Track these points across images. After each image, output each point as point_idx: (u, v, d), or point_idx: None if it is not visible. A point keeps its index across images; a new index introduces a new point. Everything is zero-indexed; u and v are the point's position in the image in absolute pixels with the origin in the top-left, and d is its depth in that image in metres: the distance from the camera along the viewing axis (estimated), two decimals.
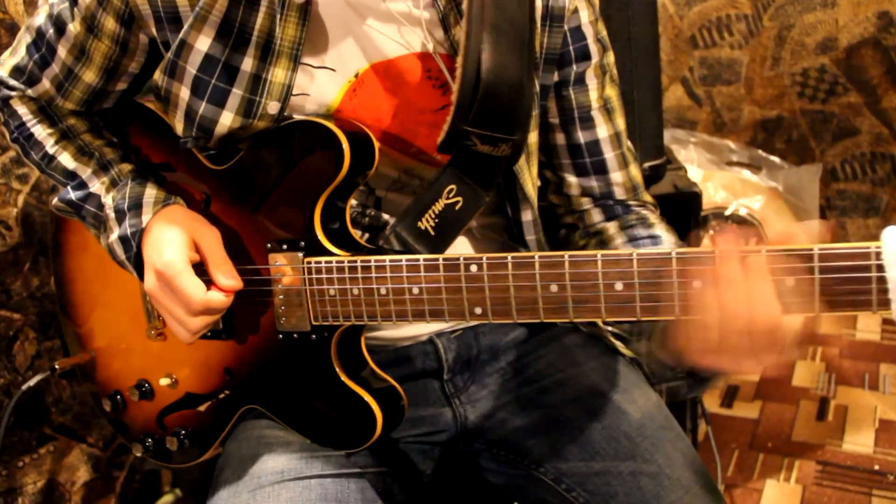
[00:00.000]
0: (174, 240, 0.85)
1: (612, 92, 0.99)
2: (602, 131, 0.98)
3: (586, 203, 1.02)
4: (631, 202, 1.02)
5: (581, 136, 0.98)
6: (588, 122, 0.98)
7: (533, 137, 0.96)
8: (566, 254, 0.70)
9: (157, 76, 0.89)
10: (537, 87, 0.94)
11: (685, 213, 1.53)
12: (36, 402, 1.71)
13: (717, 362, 0.70)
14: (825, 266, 0.62)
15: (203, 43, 0.84)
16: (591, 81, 0.96)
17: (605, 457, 0.94)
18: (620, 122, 1.00)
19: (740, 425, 2.06)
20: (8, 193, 1.63)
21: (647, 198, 1.05)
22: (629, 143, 1.02)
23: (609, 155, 0.99)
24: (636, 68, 1.46)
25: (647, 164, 1.51)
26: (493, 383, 1.02)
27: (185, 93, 0.87)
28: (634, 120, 1.49)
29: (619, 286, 0.69)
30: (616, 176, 1.00)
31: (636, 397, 0.99)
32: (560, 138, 0.99)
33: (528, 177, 0.96)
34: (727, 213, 2.29)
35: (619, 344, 1.05)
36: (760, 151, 2.42)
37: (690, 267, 0.67)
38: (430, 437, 1.00)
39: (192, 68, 0.85)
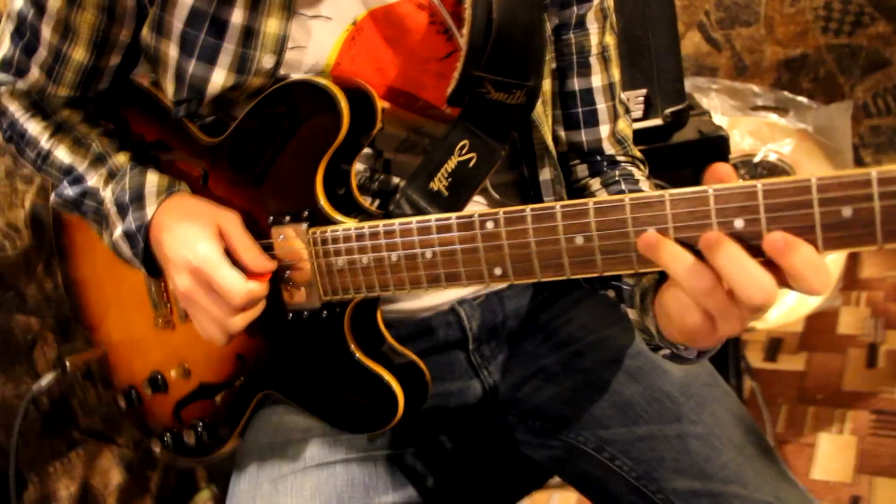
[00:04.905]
0: (203, 232, 0.79)
1: (610, 39, 0.93)
2: (597, 80, 0.92)
3: (573, 159, 0.96)
4: (619, 157, 0.96)
5: (576, 83, 0.92)
6: (585, 69, 0.92)
7: (547, 84, 0.90)
8: (590, 201, 0.64)
9: (145, 33, 0.83)
10: (549, 30, 0.88)
11: (713, 160, 1.44)
12: (62, 407, 1.69)
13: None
14: (886, 192, 0.55)
15: None
16: (592, 25, 0.91)
17: (649, 420, 0.88)
18: (615, 73, 0.94)
19: (787, 379, 1.99)
20: (14, 195, 1.59)
21: (636, 153, 0.99)
22: (622, 95, 0.96)
23: (601, 106, 0.93)
24: (648, 9, 1.38)
25: (668, 111, 1.44)
26: (523, 350, 0.96)
27: (173, 50, 0.81)
28: (652, 65, 1.42)
29: (651, 232, 0.62)
30: (605, 129, 0.94)
31: None
32: (554, 86, 0.93)
33: (548, 128, 0.90)
34: (756, 159, 2.19)
35: None
36: (786, 93, 2.31)
37: (732, 205, 0.59)
38: (460, 411, 0.95)
39: (178, 23, 0.79)
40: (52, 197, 0.94)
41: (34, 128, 0.93)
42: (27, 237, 1.62)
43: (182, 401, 0.99)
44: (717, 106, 2.30)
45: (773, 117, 2.28)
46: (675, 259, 0.58)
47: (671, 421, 0.87)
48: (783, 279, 0.56)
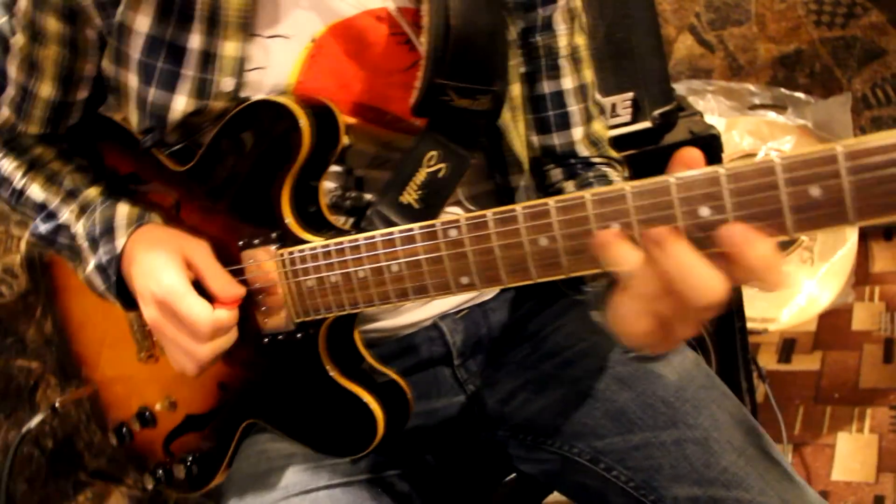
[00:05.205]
0: (168, 262, 0.78)
1: (580, 40, 0.91)
2: (567, 82, 0.91)
3: (547, 163, 0.94)
4: (594, 159, 0.94)
5: (546, 86, 0.91)
6: (554, 72, 0.90)
7: (516, 90, 0.89)
8: (551, 200, 0.62)
9: (105, 64, 0.83)
10: (514, 34, 0.87)
11: (707, 158, 1.42)
12: (68, 449, 1.67)
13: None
14: (853, 166, 0.52)
15: (142, 23, 0.78)
16: (559, 26, 0.89)
17: (644, 427, 0.85)
18: (587, 74, 0.92)
19: (802, 379, 1.94)
20: (9, 241, 1.60)
21: (613, 154, 0.97)
22: (598, 96, 0.95)
23: (573, 108, 0.91)
24: (629, 12, 1.36)
25: (656, 112, 1.41)
26: (510, 363, 0.94)
27: (133, 80, 0.81)
28: (636, 67, 1.40)
29: (615, 228, 0.59)
30: (578, 131, 0.92)
31: (670, 358, 0.90)
32: (524, 90, 0.91)
33: (516, 135, 0.89)
34: (757, 159, 2.16)
35: None
36: (783, 90, 2.28)
37: (695, 192, 0.57)
38: (447, 429, 0.92)
39: (135, 53, 0.79)
40: (27, 235, 0.93)
41: (7, 167, 0.93)
42: (24, 281, 1.62)
43: (171, 434, 0.98)
44: (714, 107, 2.28)
45: (772, 115, 2.25)
46: (623, 261, 0.56)
47: (667, 427, 0.84)
48: (736, 275, 0.54)
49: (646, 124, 1.44)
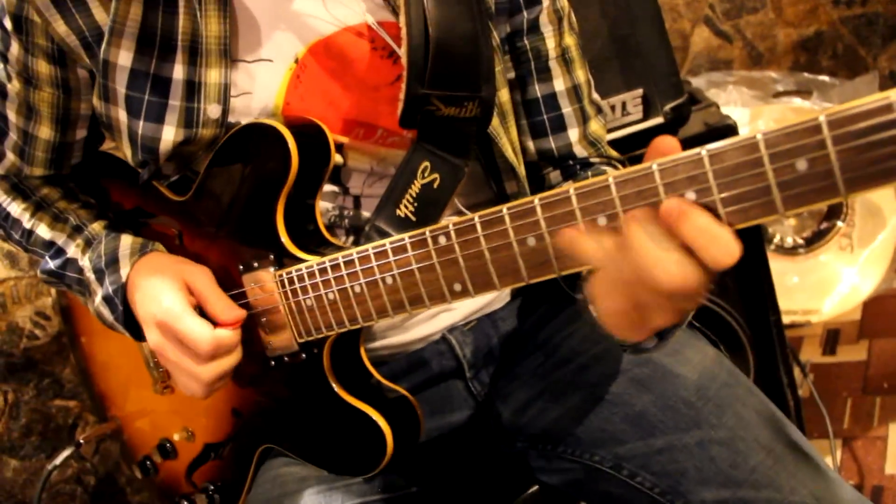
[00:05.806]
0: (167, 286, 0.79)
1: (570, 41, 0.90)
2: (559, 84, 0.89)
3: (545, 167, 0.93)
4: (593, 159, 0.92)
5: (538, 90, 0.89)
6: (545, 74, 0.89)
7: (505, 96, 0.88)
8: (535, 197, 0.60)
9: (95, 102, 0.84)
10: (497, 40, 0.86)
11: None
12: (110, 486, 1.70)
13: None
14: (839, 135, 0.50)
15: (125, 58, 0.79)
16: (546, 28, 0.88)
17: (666, 430, 0.82)
18: (580, 75, 0.90)
19: (849, 371, 1.86)
20: (40, 284, 1.63)
21: (612, 153, 0.94)
22: (595, 95, 0.93)
23: (567, 110, 0.89)
24: (631, 8, 1.34)
25: (667, 107, 1.38)
26: (524, 372, 0.92)
27: (122, 115, 0.82)
28: (643, 63, 1.37)
29: (602, 220, 0.58)
30: (574, 133, 0.90)
31: (689, 356, 0.87)
32: (516, 95, 0.90)
33: (507, 141, 0.87)
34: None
35: None
36: (806, 74, 2.21)
37: (679, 177, 0.55)
38: (464, 443, 0.90)
39: (121, 87, 0.80)
40: (38, 273, 0.95)
41: (16, 209, 0.95)
42: (57, 323, 1.65)
43: (192, 464, 0.98)
44: (737, 98, 2.22)
45: (797, 101, 2.19)
46: (589, 255, 0.56)
47: (690, 428, 0.81)
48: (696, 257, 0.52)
49: (658, 120, 1.40)
